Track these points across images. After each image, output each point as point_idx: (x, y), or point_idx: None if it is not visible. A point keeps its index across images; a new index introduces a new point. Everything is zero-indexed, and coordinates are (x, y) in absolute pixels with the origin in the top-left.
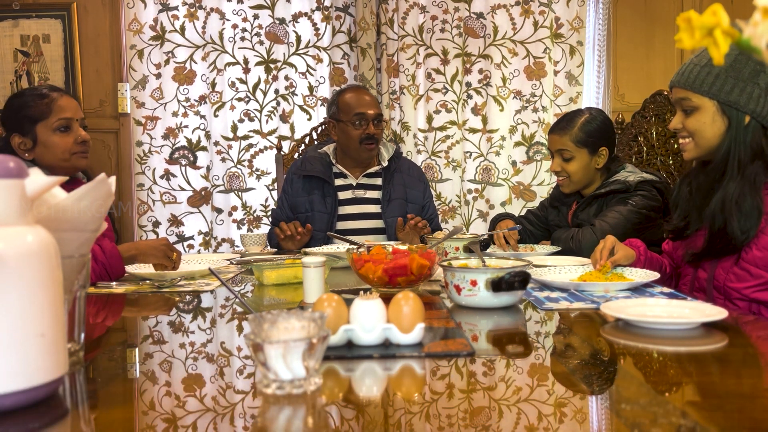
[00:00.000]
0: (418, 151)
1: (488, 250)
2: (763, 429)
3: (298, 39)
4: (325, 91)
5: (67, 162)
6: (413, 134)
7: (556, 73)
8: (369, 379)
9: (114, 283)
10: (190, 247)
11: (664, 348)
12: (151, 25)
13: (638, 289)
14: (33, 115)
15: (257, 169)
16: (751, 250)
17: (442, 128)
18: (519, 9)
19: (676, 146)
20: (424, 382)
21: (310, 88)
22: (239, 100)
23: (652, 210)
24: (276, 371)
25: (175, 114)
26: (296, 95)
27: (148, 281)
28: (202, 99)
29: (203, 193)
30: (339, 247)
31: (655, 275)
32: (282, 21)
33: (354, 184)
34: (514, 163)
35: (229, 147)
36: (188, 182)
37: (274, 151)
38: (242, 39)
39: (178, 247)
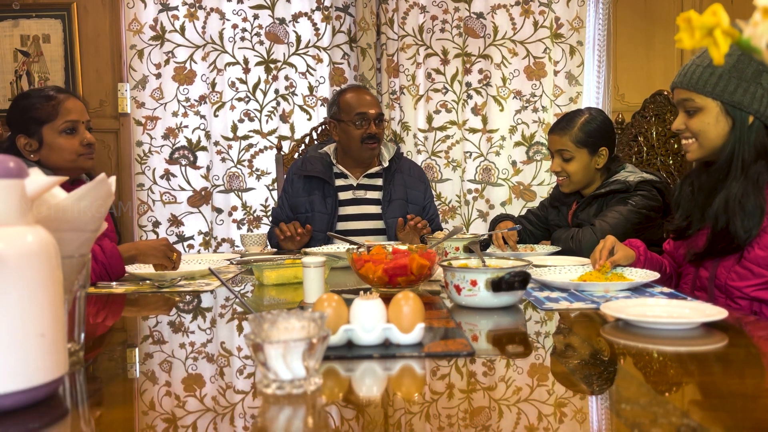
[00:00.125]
0: (418, 151)
1: (488, 250)
2: (764, 429)
3: (298, 39)
4: (325, 91)
5: (73, 164)
6: (413, 134)
7: (556, 73)
8: (369, 379)
9: (114, 283)
10: (190, 247)
11: (664, 348)
12: (151, 25)
13: (638, 289)
14: (39, 116)
15: (257, 169)
16: (753, 249)
17: (442, 128)
18: (519, 9)
19: (676, 146)
20: (424, 382)
21: (310, 88)
22: (239, 100)
23: (652, 210)
24: (276, 371)
25: (175, 114)
26: (296, 95)
27: (148, 281)
28: (202, 99)
29: (203, 193)
30: (339, 247)
31: (655, 275)
32: (282, 21)
33: (354, 185)
34: (514, 163)
35: (229, 147)
36: (188, 182)
37: (274, 151)
38: (242, 39)
39: (178, 247)
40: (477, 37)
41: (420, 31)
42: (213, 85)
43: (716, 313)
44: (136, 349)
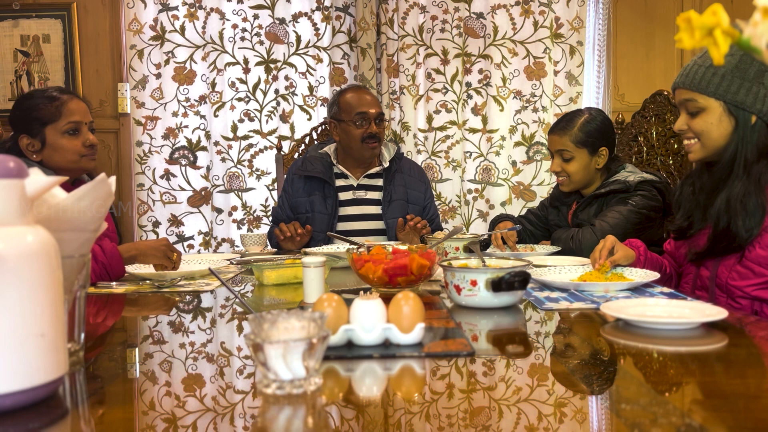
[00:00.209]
0: (418, 151)
1: (488, 250)
2: (765, 429)
3: (298, 39)
4: (325, 91)
5: (75, 165)
6: (413, 134)
7: (556, 73)
8: (369, 379)
9: (114, 283)
10: (190, 247)
11: (664, 348)
12: (151, 25)
13: (638, 289)
14: (42, 117)
15: (257, 169)
16: (755, 249)
17: (442, 128)
18: (519, 9)
19: (676, 146)
20: (424, 382)
21: (310, 88)
22: (239, 100)
23: (652, 210)
24: (276, 371)
25: (175, 114)
26: (296, 95)
27: (148, 281)
28: (202, 99)
29: (203, 193)
30: (339, 247)
31: (655, 275)
32: (282, 21)
33: (355, 185)
34: (514, 163)
35: (229, 147)
36: (188, 182)
37: (274, 151)
38: (242, 39)
39: (178, 247)
40: (477, 37)
41: (420, 31)
42: (213, 85)
43: (716, 313)
44: (136, 349)
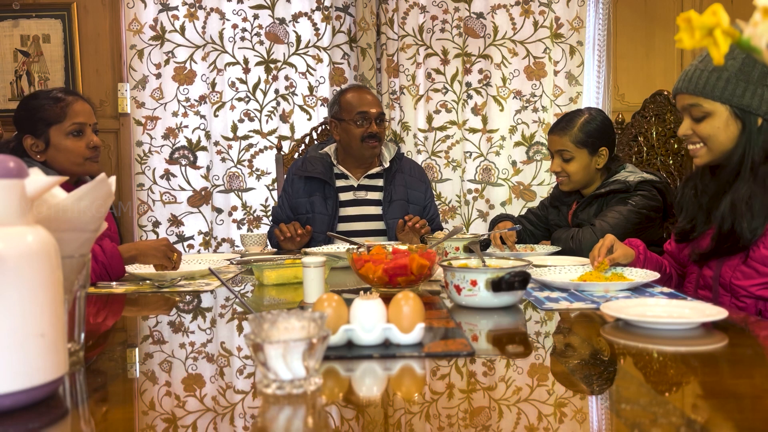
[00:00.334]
0: (418, 151)
1: (488, 250)
2: (764, 429)
3: (298, 39)
4: (325, 91)
5: (80, 167)
6: (413, 134)
7: (556, 73)
8: (369, 379)
9: (114, 283)
10: (190, 247)
11: (664, 348)
12: (151, 25)
13: (638, 289)
14: (47, 118)
15: (257, 169)
16: (759, 249)
17: (442, 128)
18: (519, 9)
19: (676, 146)
20: (424, 382)
21: (310, 88)
22: (239, 100)
23: (652, 210)
24: (276, 371)
25: (175, 114)
26: (296, 95)
27: (148, 281)
28: (202, 99)
29: (203, 193)
30: (339, 247)
31: (655, 275)
32: (282, 21)
33: (355, 185)
34: (514, 163)
35: (229, 147)
36: (188, 182)
37: (274, 151)
38: (242, 39)
39: (178, 247)
40: (477, 37)
41: (420, 31)
42: (213, 85)
43: (716, 313)
44: (136, 349)
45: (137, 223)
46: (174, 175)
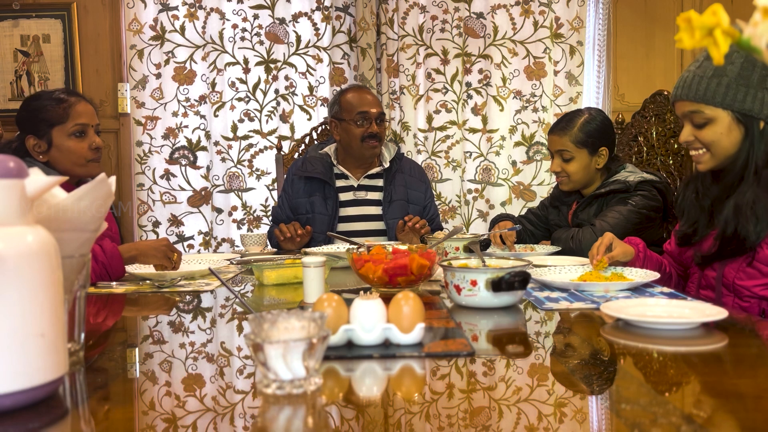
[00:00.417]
0: (418, 151)
1: (488, 250)
2: (764, 429)
3: (298, 39)
4: (325, 91)
5: (82, 168)
6: (413, 134)
7: (556, 73)
8: (369, 379)
9: (114, 283)
10: (190, 247)
11: (664, 348)
12: (151, 25)
13: (638, 289)
14: (50, 118)
15: (257, 169)
16: (763, 250)
17: (442, 128)
18: (519, 9)
19: (676, 146)
20: (424, 382)
21: (310, 88)
22: (239, 100)
23: (652, 210)
24: (276, 371)
25: (175, 114)
26: (296, 95)
27: (148, 281)
28: (202, 99)
29: (203, 193)
30: (339, 247)
31: (655, 275)
32: (282, 21)
33: (355, 186)
34: (514, 163)
35: (229, 147)
36: (188, 182)
37: (274, 151)
38: (242, 39)
39: (178, 247)
40: (477, 37)
41: (420, 31)
42: (213, 85)
43: (716, 313)
44: (136, 349)
45: (137, 223)
46: (174, 175)
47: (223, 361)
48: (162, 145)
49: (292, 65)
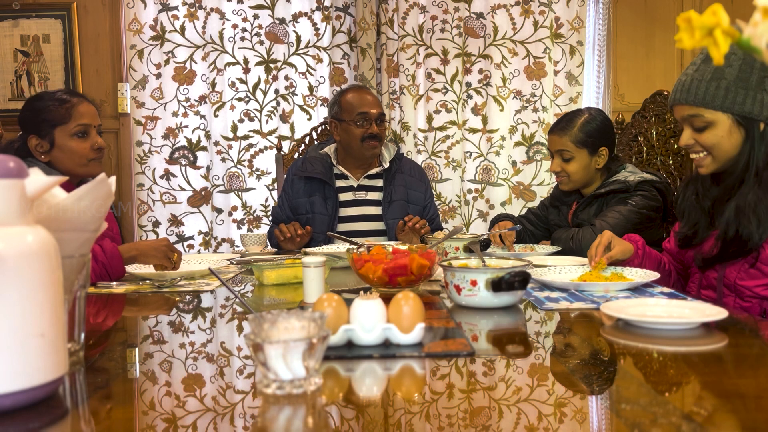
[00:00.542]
0: (418, 151)
1: (488, 250)
2: (764, 429)
3: (298, 39)
4: (325, 91)
5: (84, 168)
6: (413, 134)
7: (556, 73)
8: (369, 379)
9: (114, 283)
10: (190, 247)
11: (664, 348)
12: (151, 25)
13: (638, 289)
14: (52, 119)
15: (257, 169)
16: (764, 250)
17: (442, 128)
18: (519, 9)
19: (676, 146)
20: (424, 382)
21: (310, 88)
22: (239, 100)
23: (653, 210)
24: (276, 371)
25: (175, 114)
26: (296, 95)
27: (148, 281)
28: (202, 99)
29: (203, 193)
30: (339, 247)
31: (655, 275)
32: (282, 21)
33: (355, 186)
34: (514, 163)
35: (229, 147)
36: (188, 182)
37: (274, 151)
38: (242, 39)
39: (178, 247)
40: (477, 37)
41: (420, 31)
42: (213, 85)
43: (716, 313)
44: (136, 349)
45: (137, 223)
46: (174, 175)
47: (223, 361)
48: (162, 145)
49: (292, 65)
